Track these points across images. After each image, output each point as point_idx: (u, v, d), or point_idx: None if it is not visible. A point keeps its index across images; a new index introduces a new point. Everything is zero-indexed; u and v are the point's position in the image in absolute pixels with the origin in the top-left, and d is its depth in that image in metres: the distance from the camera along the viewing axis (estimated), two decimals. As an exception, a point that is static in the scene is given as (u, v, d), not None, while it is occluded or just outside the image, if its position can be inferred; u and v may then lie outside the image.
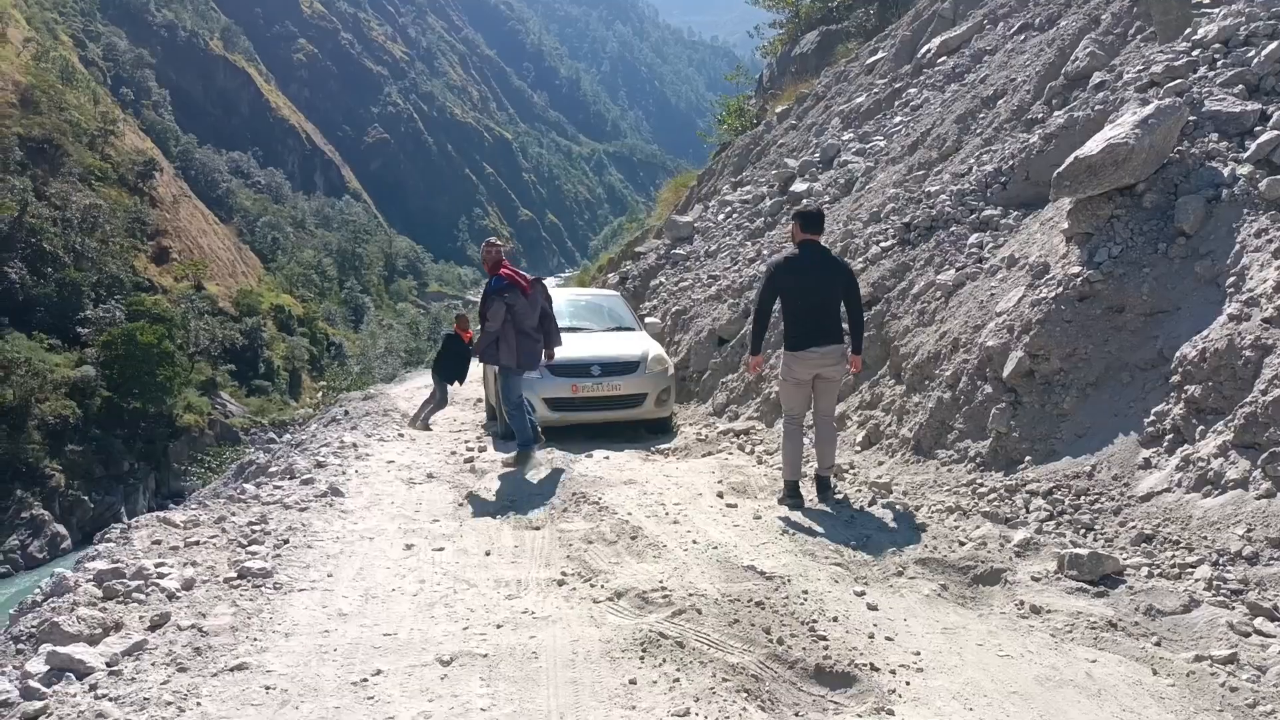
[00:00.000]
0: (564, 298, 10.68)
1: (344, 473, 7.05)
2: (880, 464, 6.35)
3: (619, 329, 9.59)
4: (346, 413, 14.27)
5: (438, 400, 10.85)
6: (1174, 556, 4.06)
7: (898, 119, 13.78)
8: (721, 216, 15.73)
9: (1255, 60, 5.95)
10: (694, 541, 4.88)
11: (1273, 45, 5.94)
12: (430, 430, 10.27)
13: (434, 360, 11.46)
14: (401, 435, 9.73)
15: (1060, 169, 5.88)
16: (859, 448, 6.80)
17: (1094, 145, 5.72)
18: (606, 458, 7.65)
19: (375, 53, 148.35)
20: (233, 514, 5.52)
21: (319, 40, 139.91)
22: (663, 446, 8.18)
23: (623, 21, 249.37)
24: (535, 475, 7.00)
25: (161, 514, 5.32)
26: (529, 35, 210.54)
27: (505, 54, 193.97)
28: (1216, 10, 7.45)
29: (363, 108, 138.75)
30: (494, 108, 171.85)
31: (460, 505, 6.22)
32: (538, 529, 5.50)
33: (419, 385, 20.60)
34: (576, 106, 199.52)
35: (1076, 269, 5.58)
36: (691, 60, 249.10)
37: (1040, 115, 9.47)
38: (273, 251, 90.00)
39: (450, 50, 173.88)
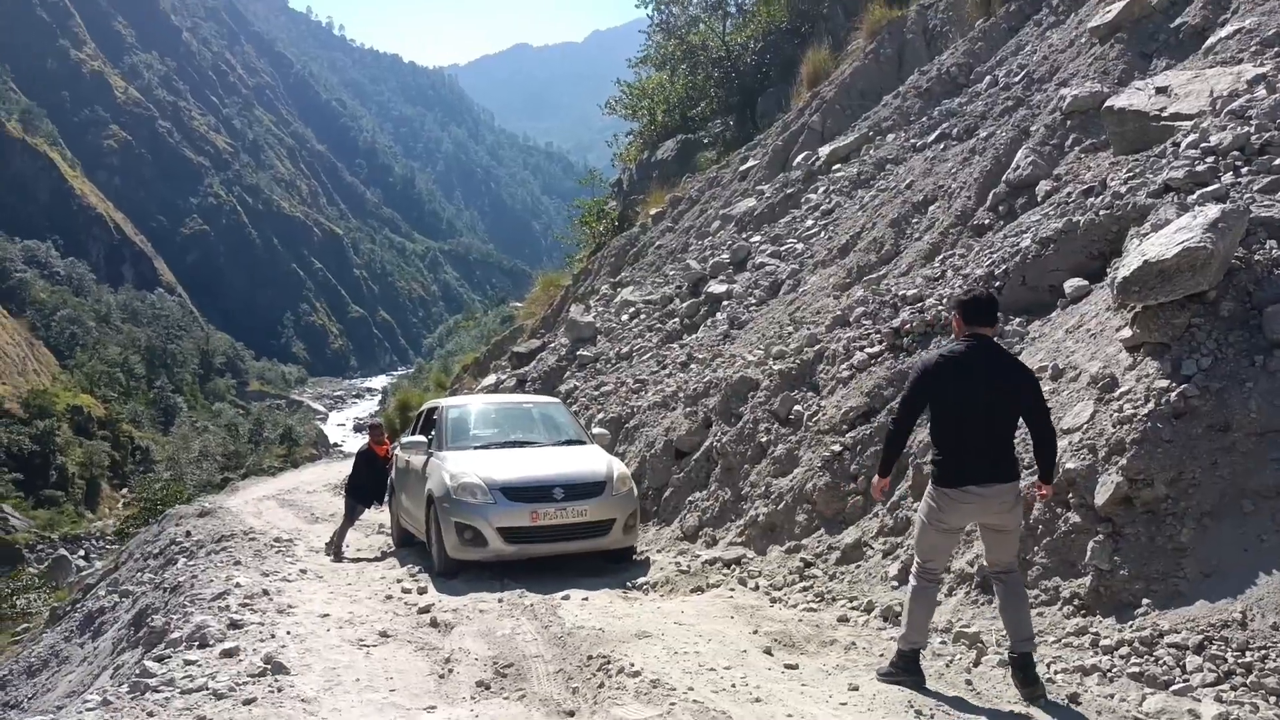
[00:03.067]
0: (497, 403, 9.45)
1: (273, 635, 5.50)
2: (937, 604, 5.50)
3: (570, 442, 8.44)
4: (189, 534, 12.27)
5: (346, 522, 9.35)
6: None
7: (809, 222, 13.65)
8: (625, 317, 15.00)
9: (1289, 168, 5.81)
10: (816, 734, 3.82)
11: (1302, 154, 5.83)
12: (343, 560, 8.73)
13: (347, 480, 9.92)
14: (305, 572, 8.09)
15: (1126, 274, 5.43)
16: (895, 583, 5.95)
17: (1163, 249, 5.31)
18: (586, 599, 6.46)
19: (196, 142, 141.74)
20: (151, 717, 3.96)
21: (133, 127, 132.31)
22: (640, 581, 7.05)
23: (458, 124, 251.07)
24: (515, 629, 5.71)
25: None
26: (362, 133, 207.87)
27: (337, 150, 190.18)
28: (1183, 124, 7.49)
29: (181, 198, 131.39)
30: (324, 202, 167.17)
31: (443, 678, 4.86)
32: (572, 714, 4.26)
33: (259, 495, 18.37)
34: (411, 204, 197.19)
35: (1163, 383, 5.07)
36: (527, 164, 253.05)
37: (987, 220, 9.38)
38: (71, 348, 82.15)
39: (279, 144, 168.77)
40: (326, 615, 6.06)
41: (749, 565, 7.02)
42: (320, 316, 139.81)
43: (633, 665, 4.78)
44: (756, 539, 7.34)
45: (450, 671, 4.96)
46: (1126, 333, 5.56)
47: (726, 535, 7.66)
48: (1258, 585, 4.31)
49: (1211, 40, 8.71)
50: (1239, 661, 4.05)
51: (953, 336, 4.72)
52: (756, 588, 6.54)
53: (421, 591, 6.98)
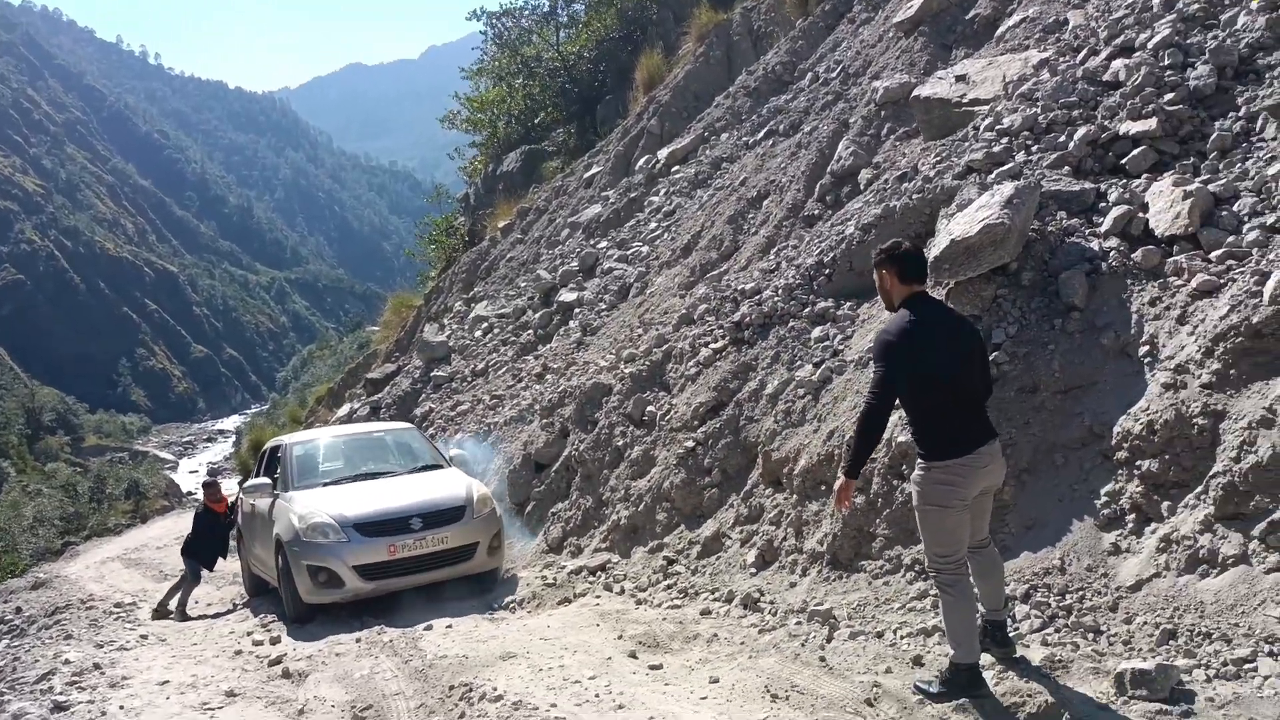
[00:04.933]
0: (345, 435, 9.08)
1: (104, 713, 5.09)
2: (792, 586, 5.65)
3: (425, 468, 8.21)
4: (19, 609, 11.34)
5: (190, 582, 8.76)
6: (1219, 652, 3.69)
7: (653, 224, 13.85)
8: (479, 333, 14.78)
9: (1071, 144, 6.27)
10: (677, 734, 3.83)
11: (1081, 130, 6.30)
12: (189, 619, 8.19)
13: (185, 542, 9.32)
14: (145, 638, 7.55)
15: (936, 253, 5.73)
16: (754, 569, 6.08)
17: (967, 227, 5.63)
18: (450, 626, 6.29)
19: (1, 186, 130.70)
20: (-43, 824, 3.59)
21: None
22: (507, 600, 6.94)
23: (293, 148, 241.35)
24: (374, 667, 5.50)
25: None
26: (190, 164, 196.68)
27: (164, 184, 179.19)
28: (981, 108, 8.01)
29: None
30: (155, 240, 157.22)
31: (298, 731, 4.62)
32: (437, 750, 4.13)
33: (102, 557, 17.18)
34: (250, 235, 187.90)
35: (977, 352, 5.37)
36: (371, 184, 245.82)
37: (817, 210, 9.74)
38: (-128, 421, 74.29)
39: (97, 181, 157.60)
40: (166, 682, 5.66)
41: (614, 570, 7.02)
42: (160, 360, 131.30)
43: (495, 689, 4.68)
44: (620, 542, 7.35)
45: (306, 724, 4.72)
46: (943, 308, 5.86)
47: (591, 543, 7.64)
48: (1073, 532, 4.62)
49: (1001, 29, 9.35)
50: (1060, 605, 4.33)
51: (885, 294, 4.06)
52: (622, 591, 6.54)
53: (275, 641, 6.63)
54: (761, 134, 12.77)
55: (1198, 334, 4.59)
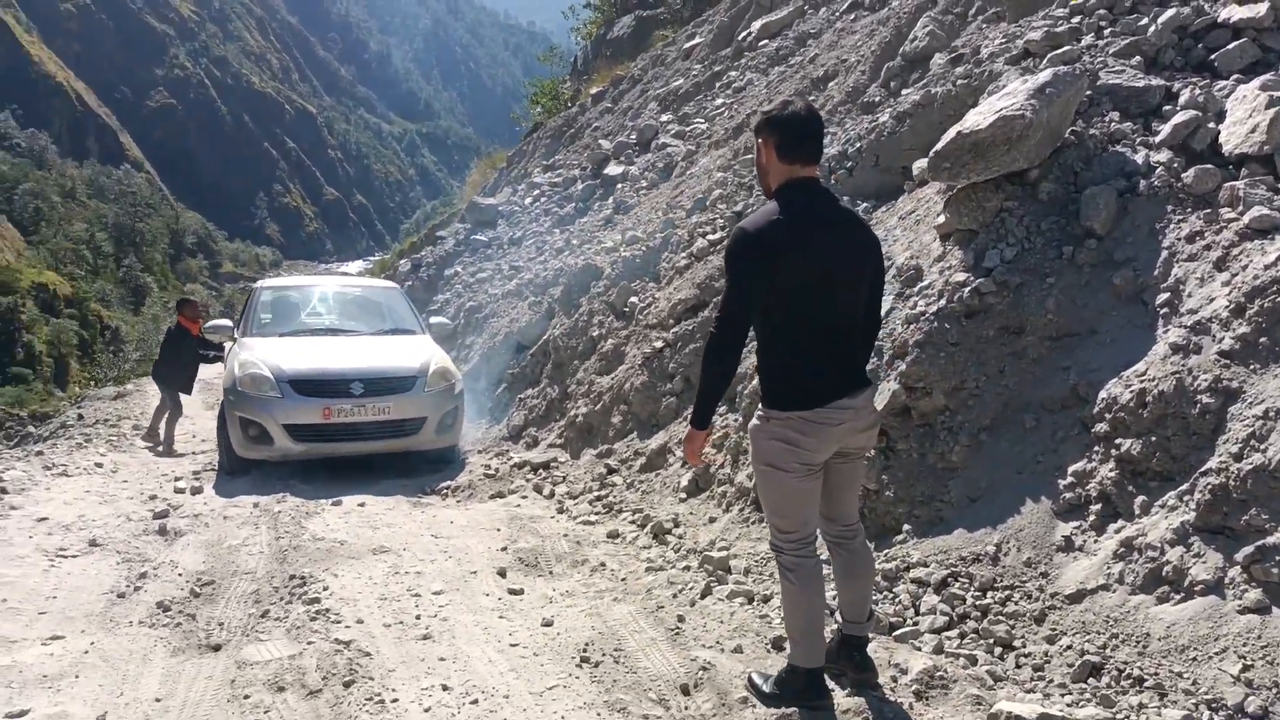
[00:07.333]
0: (324, 287, 8.60)
1: (-45, 545, 4.87)
2: (712, 521, 4.91)
3: (395, 331, 7.68)
4: (81, 416, 11.74)
5: (171, 409, 8.59)
6: (1144, 707, 2.79)
7: (719, 101, 12.66)
8: (529, 200, 14.07)
9: (1151, 29, 4.94)
10: (444, 687, 3.21)
11: (1169, 13, 4.94)
12: (177, 454, 8.07)
13: (154, 365, 9.12)
14: (100, 465, 7.44)
15: (938, 147, 4.63)
16: (684, 494, 5.35)
17: (980, 118, 4.49)
18: (361, 505, 5.84)
19: (159, 9, 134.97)
20: None
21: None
22: (442, 485, 6.45)
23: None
24: (249, 538, 5.10)
25: None
26: (335, 4, 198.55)
27: (309, 22, 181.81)
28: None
29: (145, 69, 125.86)
30: (296, 79, 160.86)
31: (120, 598, 4.25)
32: (217, 649, 3.67)
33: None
34: (387, 83, 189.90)
35: (961, 276, 4.34)
36: (508, 44, 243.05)
37: (878, 98, 8.46)
38: (35, 223, 79.89)
39: (247, 13, 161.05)
40: (44, 519, 5.43)
41: (557, 470, 6.41)
42: (294, 198, 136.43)
43: (325, 589, 4.18)
44: (573, 441, 6.72)
45: (137, 590, 4.35)
46: (941, 218, 4.79)
47: (548, 436, 7.04)
48: (1021, 514, 3.69)
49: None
50: (977, 603, 3.45)
51: (763, 173, 2.93)
52: (552, 495, 5.94)
53: (195, 492, 6.35)
54: (845, 6, 11.28)
55: (1233, 285, 3.46)
